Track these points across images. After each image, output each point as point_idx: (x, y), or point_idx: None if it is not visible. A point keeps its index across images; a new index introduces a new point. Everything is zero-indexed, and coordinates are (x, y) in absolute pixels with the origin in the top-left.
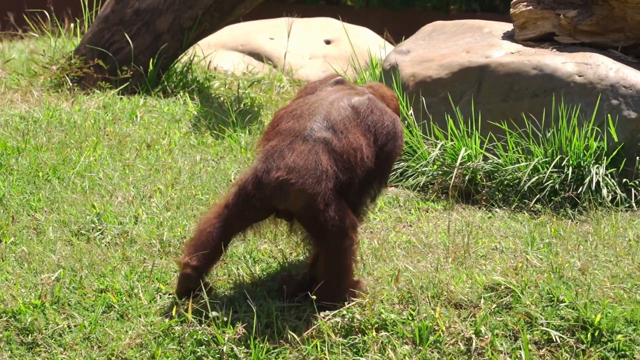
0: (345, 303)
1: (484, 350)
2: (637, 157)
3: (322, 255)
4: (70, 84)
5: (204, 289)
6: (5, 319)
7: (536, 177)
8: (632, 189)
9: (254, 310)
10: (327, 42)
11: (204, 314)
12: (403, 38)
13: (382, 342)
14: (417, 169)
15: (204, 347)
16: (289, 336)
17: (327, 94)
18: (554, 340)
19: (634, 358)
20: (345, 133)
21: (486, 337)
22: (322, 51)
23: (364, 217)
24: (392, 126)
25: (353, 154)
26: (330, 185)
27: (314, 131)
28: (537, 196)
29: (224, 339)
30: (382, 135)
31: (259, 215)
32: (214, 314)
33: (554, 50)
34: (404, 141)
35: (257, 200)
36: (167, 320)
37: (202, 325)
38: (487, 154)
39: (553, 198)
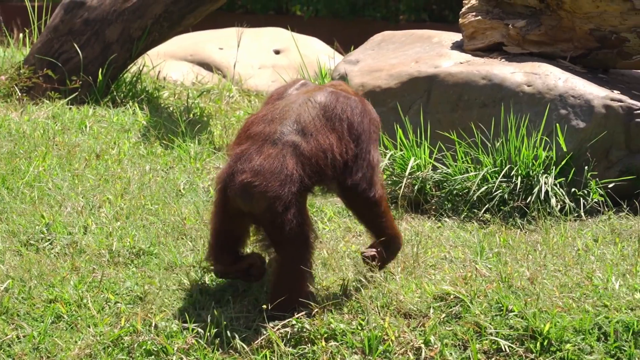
0: (295, 313)
1: None
2: (586, 167)
3: (276, 261)
4: (19, 94)
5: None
6: None
7: (485, 187)
8: (581, 199)
9: (204, 320)
10: (277, 52)
11: (153, 324)
12: (352, 48)
13: (331, 352)
14: None
15: (153, 357)
16: (238, 346)
17: (294, 97)
18: (503, 349)
19: None
20: (315, 135)
21: (435, 346)
22: (271, 61)
23: (380, 188)
24: (360, 106)
25: (322, 157)
26: (294, 189)
27: (283, 135)
28: (486, 206)
29: (173, 349)
30: (354, 117)
31: (238, 216)
32: (163, 324)
33: (503, 60)
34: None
35: (227, 201)
36: (116, 330)
37: (152, 335)
38: (436, 164)
39: (502, 208)
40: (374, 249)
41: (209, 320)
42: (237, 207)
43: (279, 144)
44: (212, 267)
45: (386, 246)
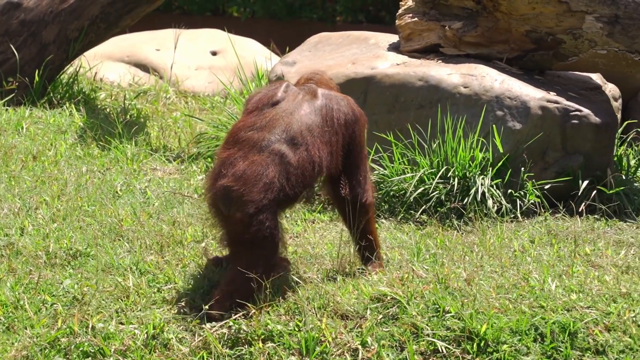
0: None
1: None
2: (522, 168)
3: (237, 260)
4: None
5: None
6: None
7: (422, 188)
8: (517, 200)
9: (141, 322)
10: (214, 54)
11: (90, 326)
12: (289, 49)
13: (268, 353)
14: None
15: (90, 358)
16: (175, 347)
17: (285, 103)
18: (440, 350)
19: None
20: (305, 146)
21: (372, 347)
22: (208, 62)
23: (371, 194)
24: (351, 111)
25: (310, 168)
26: (271, 196)
27: (271, 142)
28: (423, 207)
29: (110, 351)
30: (347, 126)
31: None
32: (100, 325)
33: (440, 61)
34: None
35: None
36: (53, 332)
37: (89, 337)
38: (373, 165)
39: (439, 209)
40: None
41: (146, 321)
42: (219, 210)
43: (265, 152)
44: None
45: (370, 251)
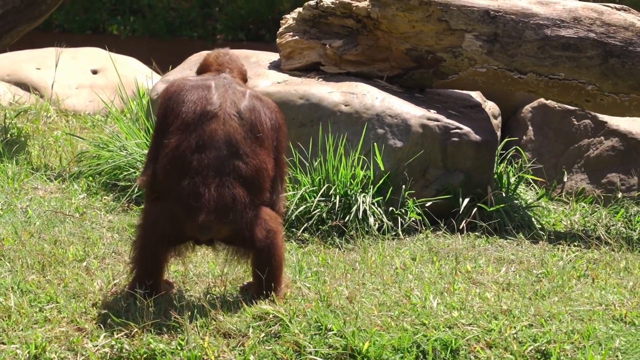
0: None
1: None
2: (403, 186)
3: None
4: None
5: None
6: None
7: (304, 206)
8: (399, 217)
9: (22, 341)
10: (94, 72)
11: None
12: (170, 68)
13: None
14: None
15: None
16: None
17: (216, 108)
18: None
19: None
20: (250, 154)
21: None
22: (89, 81)
23: (283, 205)
24: (274, 118)
25: (263, 175)
26: (252, 212)
27: (221, 160)
28: (305, 225)
29: None
30: (274, 129)
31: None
32: None
33: (321, 80)
34: None
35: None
36: None
37: None
38: None
39: (320, 227)
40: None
41: (28, 341)
42: (191, 237)
43: (223, 174)
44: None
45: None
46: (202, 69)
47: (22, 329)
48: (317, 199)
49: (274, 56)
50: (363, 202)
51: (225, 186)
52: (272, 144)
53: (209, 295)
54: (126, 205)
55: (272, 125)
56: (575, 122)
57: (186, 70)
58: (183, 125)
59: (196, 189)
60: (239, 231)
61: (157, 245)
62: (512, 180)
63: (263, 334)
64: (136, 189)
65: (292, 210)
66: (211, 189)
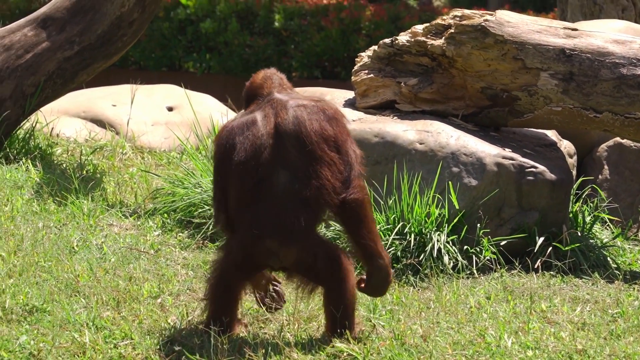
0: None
1: None
2: (478, 224)
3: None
4: None
5: None
6: None
7: None
8: (473, 256)
9: None
10: (170, 109)
11: None
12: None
13: None
14: None
15: None
16: None
17: (262, 140)
18: None
19: None
20: (310, 174)
21: None
22: (164, 118)
23: (358, 190)
24: (322, 118)
25: (325, 193)
26: (317, 237)
27: (283, 190)
28: None
29: None
30: (322, 137)
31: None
32: None
33: (395, 117)
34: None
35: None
36: None
37: None
38: (331, 222)
39: (395, 265)
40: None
41: None
42: (263, 265)
43: (284, 200)
44: None
45: (366, 255)
46: (250, 96)
47: None
48: (391, 237)
49: (349, 94)
50: (438, 240)
51: (287, 210)
52: (331, 147)
53: (282, 333)
54: (201, 242)
55: (320, 130)
56: None
57: None
58: (240, 166)
59: (260, 217)
60: (304, 256)
61: (230, 276)
62: (588, 219)
63: None
64: (211, 226)
65: None
66: (275, 214)
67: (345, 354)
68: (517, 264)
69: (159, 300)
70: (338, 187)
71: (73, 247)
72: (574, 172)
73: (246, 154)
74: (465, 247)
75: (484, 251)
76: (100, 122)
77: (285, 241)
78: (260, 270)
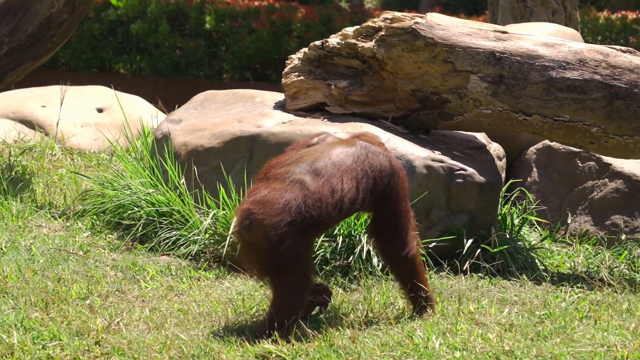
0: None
1: None
2: None
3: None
4: None
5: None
6: None
7: None
8: None
9: None
10: (100, 111)
11: None
12: (176, 107)
13: None
14: (189, 237)
15: None
16: None
17: (320, 145)
18: None
19: None
20: (327, 177)
21: None
22: (94, 119)
23: (414, 246)
24: (388, 165)
25: (327, 194)
26: (288, 218)
27: (294, 174)
28: None
29: None
30: (382, 177)
31: None
32: None
33: (325, 120)
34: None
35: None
36: None
37: None
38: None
39: (324, 267)
40: None
41: None
42: (244, 239)
43: (287, 181)
44: None
45: (418, 305)
46: None
47: None
48: (320, 239)
49: (280, 96)
50: (367, 242)
51: None
52: (375, 185)
53: (212, 334)
54: (130, 243)
55: (380, 170)
56: (580, 164)
57: (191, 110)
58: (287, 151)
59: None
60: None
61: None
62: (516, 221)
63: None
64: (140, 228)
65: None
66: None
67: (274, 355)
68: (445, 266)
69: (87, 301)
70: (345, 208)
71: (1, 249)
72: (503, 175)
73: (295, 144)
74: None
75: None
76: (29, 123)
77: None
78: None
